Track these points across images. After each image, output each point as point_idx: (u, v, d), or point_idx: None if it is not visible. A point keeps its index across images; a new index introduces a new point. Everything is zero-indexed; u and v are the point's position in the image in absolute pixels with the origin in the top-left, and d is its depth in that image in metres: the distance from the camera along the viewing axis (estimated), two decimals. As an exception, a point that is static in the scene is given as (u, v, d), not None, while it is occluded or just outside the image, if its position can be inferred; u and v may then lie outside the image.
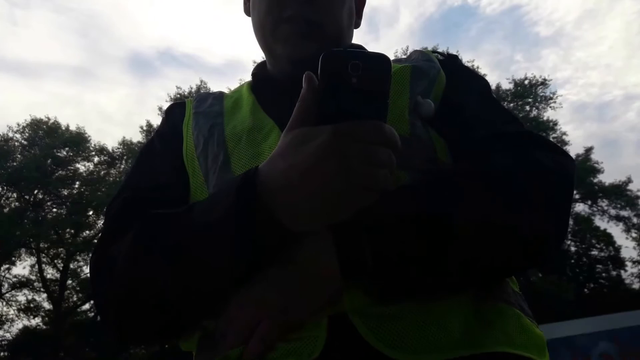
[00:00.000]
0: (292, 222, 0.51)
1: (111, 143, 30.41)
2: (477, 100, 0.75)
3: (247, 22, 0.87)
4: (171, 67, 46.77)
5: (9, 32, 38.96)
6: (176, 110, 0.85)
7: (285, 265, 0.55)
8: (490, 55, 40.88)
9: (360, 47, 0.85)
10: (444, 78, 0.76)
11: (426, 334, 0.54)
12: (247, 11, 0.86)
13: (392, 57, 0.69)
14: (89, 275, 0.67)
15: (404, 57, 0.88)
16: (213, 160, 0.71)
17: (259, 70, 0.87)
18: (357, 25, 0.88)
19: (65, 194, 20.36)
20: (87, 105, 40.24)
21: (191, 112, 0.81)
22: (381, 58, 0.49)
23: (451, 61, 0.81)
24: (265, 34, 0.78)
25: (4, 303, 19.45)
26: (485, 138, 0.69)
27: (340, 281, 0.54)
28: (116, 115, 42.49)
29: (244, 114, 0.76)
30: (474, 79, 0.80)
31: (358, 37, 0.81)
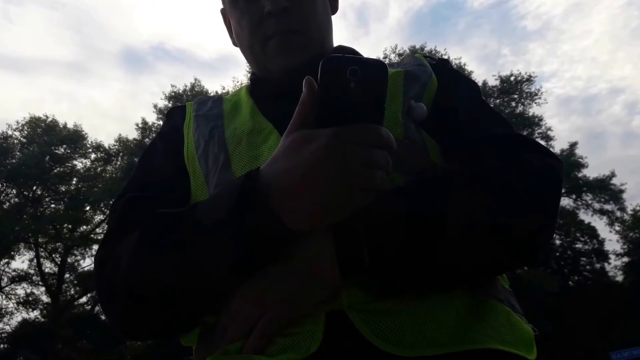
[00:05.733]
0: (292, 221, 0.53)
1: (105, 138, 30.69)
2: (467, 104, 0.77)
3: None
4: (164, 62, 47.06)
5: (4, 29, 39.37)
6: (177, 113, 0.87)
7: (285, 262, 0.57)
8: (477, 49, 41.35)
9: (352, 50, 0.88)
10: (435, 82, 0.77)
11: (422, 329, 0.56)
12: (235, 43, 0.89)
13: (381, 55, 0.98)
14: (94, 272, 0.69)
15: (397, 58, 1.14)
16: (214, 161, 0.73)
17: (256, 75, 0.89)
18: (335, 11, 0.90)
19: (63, 190, 20.61)
20: (82, 100, 40.57)
21: (191, 115, 0.83)
22: (378, 64, 0.51)
23: (442, 65, 0.83)
24: (256, 56, 0.82)
25: (4, 296, 19.75)
26: (476, 140, 0.71)
27: (339, 278, 0.56)
28: (110, 111, 42.67)
29: (243, 117, 0.79)
30: (465, 82, 0.82)
31: (348, 32, 1.12)
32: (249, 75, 0.93)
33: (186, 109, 0.86)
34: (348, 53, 0.76)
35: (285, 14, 0.77)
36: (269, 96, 0.81)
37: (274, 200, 0.53)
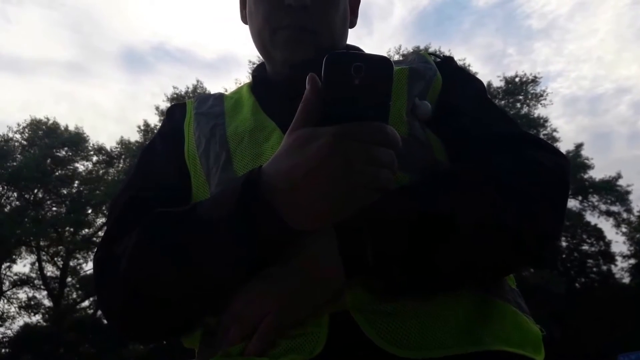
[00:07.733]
0: (295, 220, 0.52)
1: (107, 139, 30.71)
2: (473, 102, 0.76)
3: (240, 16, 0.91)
4: (165, 63, 47.01)
5: (2, 29, 39.27)
6: (177, 110, 0.86)
7: (288, 262, 0.56)
8: (482, 49, 41.18)
9: (357, 48, 0.87)
10: (440, 80, 0.77)
11: (428, 330, 0.55)
12: (244, 19, 0.88)
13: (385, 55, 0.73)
14: (93, 273, 0.68)
15: (401, 58, 0.90)
16: (215, 159, 0.72)
17: (259, 72, 0.88)
18: (353, 25, 0.90)
19: (65, 193, 20.56)
20: (82, 101, 40.44)
21: (192, 113, 0.82)
22: (383, 60, 0.50)
23: (447, 63, 0.82)
24: (263, 41, 0.81)
25: (5, 300, 19.66)
26: (482, 139, 0.70)
27: (343, 279, 0.55)
28: (111, 112, 42.68)
29: (245, 115, 0.78)
30: (470, 80, 0.81)
31: (352, 31, 0.90)
32: (250, 75, 0.93)
33: (186, 107, 0.85)
34: (354, 51, 0.74)
35: (304, 12, 0.76)
36: (272, 94, 0.80)
37: (277, 199, 0.52)
